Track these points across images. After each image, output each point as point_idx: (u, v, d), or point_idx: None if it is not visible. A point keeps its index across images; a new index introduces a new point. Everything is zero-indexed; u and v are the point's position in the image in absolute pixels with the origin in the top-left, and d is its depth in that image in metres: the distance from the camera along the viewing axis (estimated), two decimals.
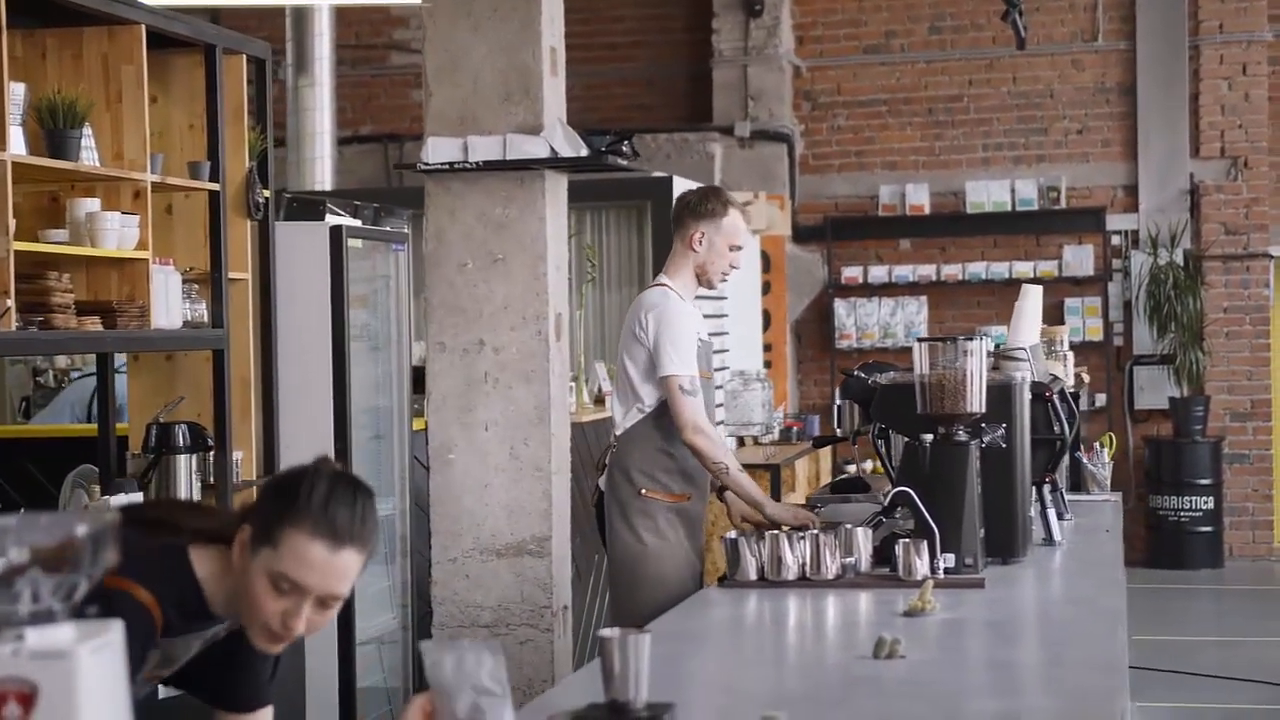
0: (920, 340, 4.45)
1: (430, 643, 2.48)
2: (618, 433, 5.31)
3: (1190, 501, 12.06)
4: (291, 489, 2.55)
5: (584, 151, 6.02)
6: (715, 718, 2.83)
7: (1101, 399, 12.38)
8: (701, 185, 5.63)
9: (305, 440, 6.14)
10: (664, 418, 5.18)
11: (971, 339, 4.42)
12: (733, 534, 4.37)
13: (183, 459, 5.44)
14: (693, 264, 5.27)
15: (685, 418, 5.10)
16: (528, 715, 2.86)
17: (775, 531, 4.31)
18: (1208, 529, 12.11)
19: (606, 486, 5.29)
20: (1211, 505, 12.09)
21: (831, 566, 4.21)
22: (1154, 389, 12.42)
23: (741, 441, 10.10)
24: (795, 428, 11.01)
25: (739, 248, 5.31)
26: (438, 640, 2.58)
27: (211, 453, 5.56)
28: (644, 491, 5.18)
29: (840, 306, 12.75)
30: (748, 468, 8.88)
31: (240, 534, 2.58)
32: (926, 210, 12.72)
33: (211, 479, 5.60)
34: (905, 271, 12.70)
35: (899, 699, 3.00)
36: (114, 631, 1.79)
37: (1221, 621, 10.76)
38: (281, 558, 2.51)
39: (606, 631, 2.70)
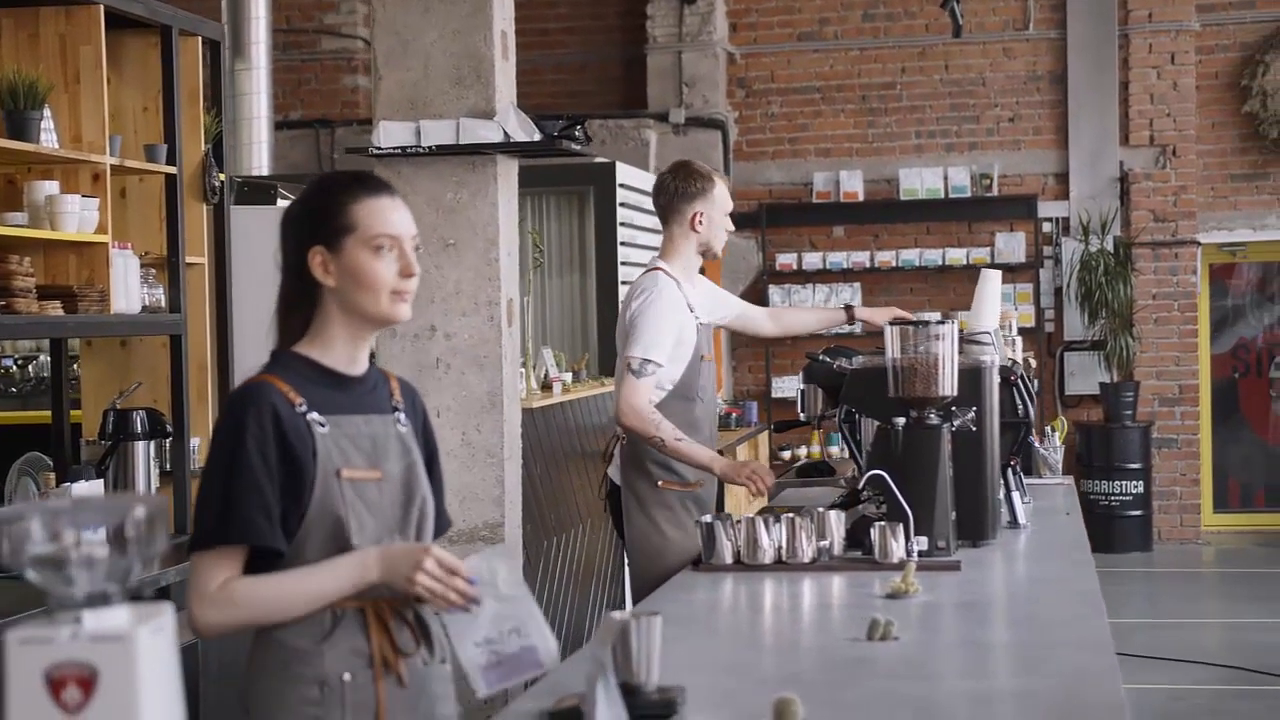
0: (892, 324, 4.44)
1: None
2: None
3: (1120, 486, 12.20)
4: (324, 199, 2.82)
5: (537, 136, 5.98)
6: (726, 700, 2.82)
7: (1034, 384, 12.48)
8: (673, 164, 5.50)
9: None
10: (672, 406, 5.11)
11: (944, 323, 4.43)
12: (708, 517, 4.36)
13: (141, 446, 5.34)
14: (695, 244, 5.29)
15: (618, 399, 5.06)
16: (537, 696, 2.84)
17: (752, 515, 4.31)
18: (1137, 513, 12.25)
19: (622, 480, 5.21)
20: (1141, 489, 12.24)
21: (807, 550, 4.21)
22: (1085, 374, 12.55)
23: None
24: (734, 414, 11.04)
25: (730, 211, 5.42)
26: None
27: (169, 439, 5.49)
28: (661, 484, 5.13)
29: (775, 293, 12.77)
30: None
31: (313, 260, 2.79)
32: (860, 197, 12.77)
33: (168, 466, 5.53)
34: (839, 258, 12.74)
35: (902, 680, 3.01)
36: (168, 614, 1.76)
37: (1152, 604, 10.89)
38: (366, 229, 2.78)
39: (618, 614, 2.69)
